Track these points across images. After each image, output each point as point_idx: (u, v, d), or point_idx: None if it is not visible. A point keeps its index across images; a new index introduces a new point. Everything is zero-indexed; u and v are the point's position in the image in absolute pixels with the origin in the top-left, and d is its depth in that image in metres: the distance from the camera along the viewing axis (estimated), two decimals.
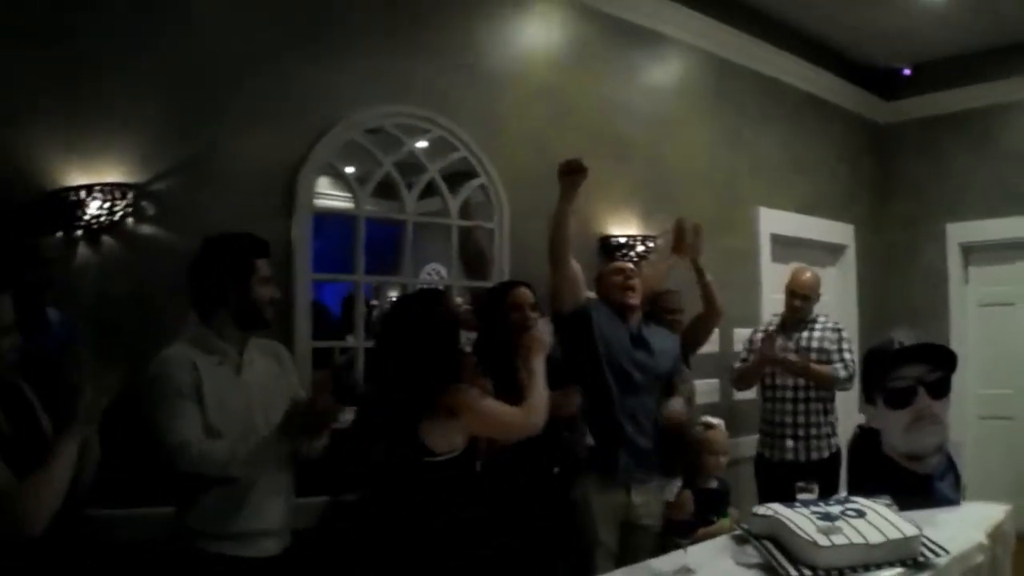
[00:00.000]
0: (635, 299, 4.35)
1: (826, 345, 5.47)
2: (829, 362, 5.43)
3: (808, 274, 5.70)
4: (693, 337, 5.26)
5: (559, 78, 5.43)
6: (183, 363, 3.03)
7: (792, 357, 5.31)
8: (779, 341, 5.28)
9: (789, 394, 5.47)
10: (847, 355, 5.44)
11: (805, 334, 5.53)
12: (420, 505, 3.12)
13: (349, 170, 4.45)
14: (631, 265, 4.44)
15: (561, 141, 5.30)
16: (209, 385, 3.02)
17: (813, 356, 5.44)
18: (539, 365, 3.37)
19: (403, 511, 3.13)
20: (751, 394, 6.39)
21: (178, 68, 3.81)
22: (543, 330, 3.52)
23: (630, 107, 5.89)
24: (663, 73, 6.25)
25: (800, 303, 5.58)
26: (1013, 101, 7.92)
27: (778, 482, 5.14)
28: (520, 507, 3.88)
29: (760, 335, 5.56)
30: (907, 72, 8.31)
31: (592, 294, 4.41)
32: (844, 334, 5.56)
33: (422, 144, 4.67)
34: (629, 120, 5.87)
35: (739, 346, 5.93)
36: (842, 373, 5.38)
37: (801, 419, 5.46)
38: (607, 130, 5.69)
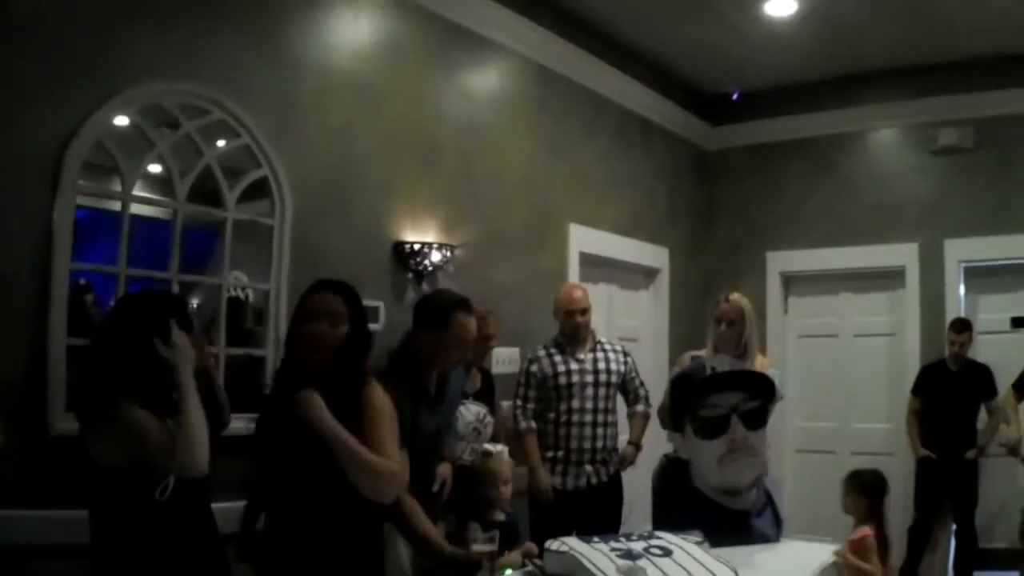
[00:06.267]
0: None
1: (621, 368, 5.50)
2: (624, 385, 5.50)
3: (579, 290, 5.60)
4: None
5: (366, 70, 5.05)
6: None
7: None
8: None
9: (589, 417, 5.35)
10: (638, 380, 5.58)
11: (591, 355, 5.43)
12: None
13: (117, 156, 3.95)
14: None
15: (363, 138, 4.97)
16: None
17: (614, 379, 5.44)
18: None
19: None
20: None
21: None
22: None
23: (443, 109, 5.57)
24: (483, 77, 5.95)
25: (581, 318, 5.40)
26: (846, 132, 8.02)
27: (573, 511, 5.15)
28: None
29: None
30: (736, 96, 8.27)
31: None
32: (631, 358, 5.62)
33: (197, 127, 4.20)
34: (441, 123, 5.54)
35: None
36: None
37: (599, 443, 5.37)
38: (415, 131, 5.34)
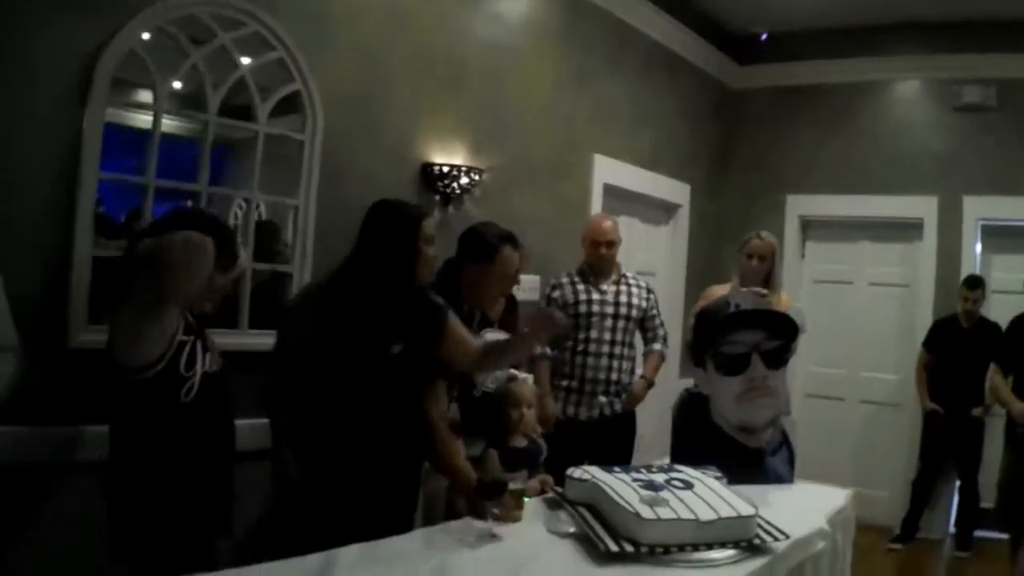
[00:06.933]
0: None
1: (643, 304, 5.45)
2: (643, 322, 5.46)
3: (609, 221, 5.52)
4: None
5: None
6: None
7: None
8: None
9: (606, 348, 5.31)
10: (658, 319, 5.57)
11: (614, 288, 5.39)
12: None
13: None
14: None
15: (391, 57, 4.87)
16: None
17: (635, 313, 5.37)
18: None
19: None
20: None
21: None
22: None
23: (471, 31, 5.45)
24: (511, 0, 5.82)
25: (607, 250, 5.35)
26: (871, 80, 7.91)
27: (586, 441, 5.11)
28: None
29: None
30: (764, 37, 8.17)
31: None
32: (654, 296, 5.59)
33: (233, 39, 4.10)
34: (469, 45, 5.42)
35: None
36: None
37: (614, 376, 5.32)
38: (443, 52, 5.22)
